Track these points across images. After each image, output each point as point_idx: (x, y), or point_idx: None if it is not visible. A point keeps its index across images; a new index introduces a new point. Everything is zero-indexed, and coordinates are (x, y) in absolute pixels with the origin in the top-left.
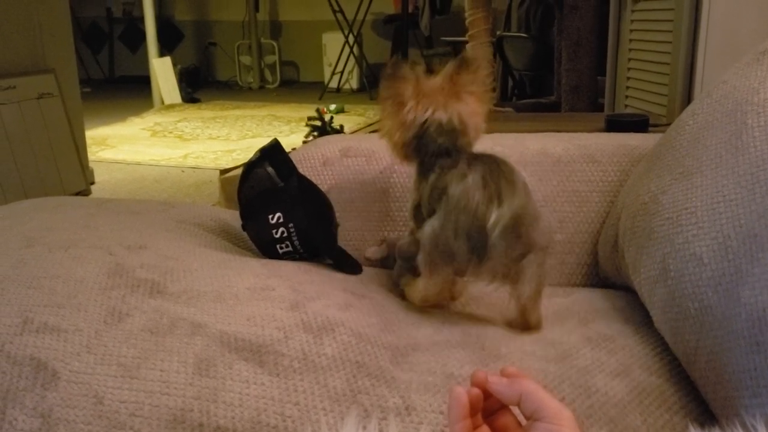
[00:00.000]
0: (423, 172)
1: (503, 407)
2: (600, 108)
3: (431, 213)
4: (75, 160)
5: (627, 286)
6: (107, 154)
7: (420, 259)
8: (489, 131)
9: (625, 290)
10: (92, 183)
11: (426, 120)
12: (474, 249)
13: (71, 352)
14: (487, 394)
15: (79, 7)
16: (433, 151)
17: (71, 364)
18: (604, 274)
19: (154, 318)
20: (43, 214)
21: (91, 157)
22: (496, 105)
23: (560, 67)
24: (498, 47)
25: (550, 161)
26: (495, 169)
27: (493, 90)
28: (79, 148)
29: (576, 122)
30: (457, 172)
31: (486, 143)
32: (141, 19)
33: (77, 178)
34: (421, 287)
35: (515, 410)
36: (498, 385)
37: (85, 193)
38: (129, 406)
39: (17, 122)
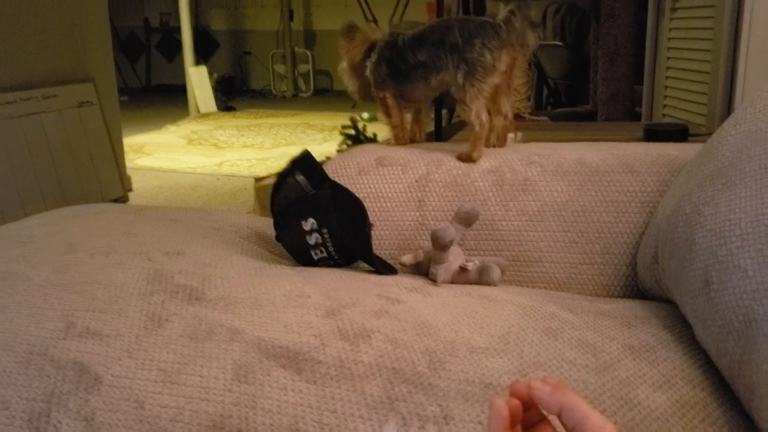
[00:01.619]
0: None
1: (543, 419)
2: (637, 117)
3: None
4: (113, 167)
5: (667, 298)
6: (144, 162)
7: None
8: (525, 140)
9: (665, 302)
10: (130, 190)
11: (368, 48)
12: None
13: (113, 357)
14: (526, 406)
15: (117, 17)
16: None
17: (113, 369)
18: (643, 286)
19: (193, 324)
20: (84, 220)
21: (128, 164)
22: (531, 114)
23: (596, 75)
24: (533, 55)
25: (587, 171)
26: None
27: (528, 99)
28: (117, 155)
29: (613, 131)
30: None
31: (522, 152)
32: (178, 29)
33: (115, 185)
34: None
35: (555, 423)
36: (540, 392)
37: (122, 200)
38: (169, 411)
39: (58, 130)
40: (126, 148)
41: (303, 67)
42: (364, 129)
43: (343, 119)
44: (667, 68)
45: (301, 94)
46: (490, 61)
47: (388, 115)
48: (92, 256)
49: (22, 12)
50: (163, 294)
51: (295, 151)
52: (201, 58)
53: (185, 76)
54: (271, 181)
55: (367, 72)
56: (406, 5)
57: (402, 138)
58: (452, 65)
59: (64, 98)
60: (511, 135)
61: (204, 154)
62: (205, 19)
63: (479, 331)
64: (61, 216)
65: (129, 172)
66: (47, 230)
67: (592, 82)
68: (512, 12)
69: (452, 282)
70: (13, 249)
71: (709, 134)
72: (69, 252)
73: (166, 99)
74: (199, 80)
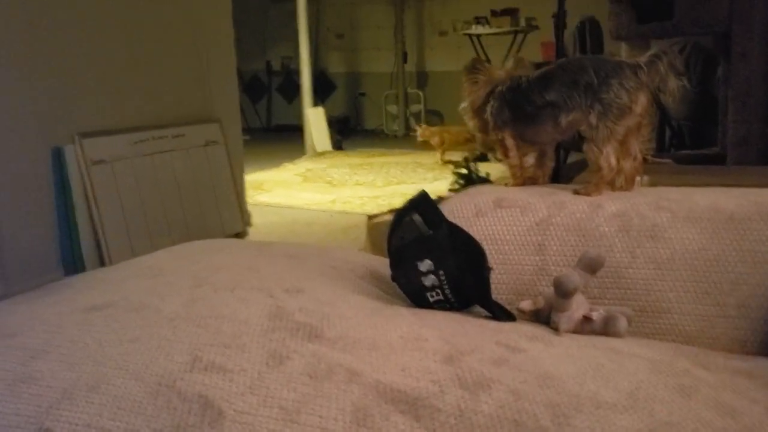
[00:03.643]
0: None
1: None
2: None
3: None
4: (235, 203)
5: None
6: (263, 198)
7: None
8: (652, 184)
9: None
10: (249, 225)
11: (490, 91)
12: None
13: (236, 392)
14: None
15: (241, 61)
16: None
17: (236, 404)
18: None
19: (313, 363)
20: (210, 255)
21: (248, 200)
22: (653, 156)
23: (725, 117)
24: (655, 95)
25: (721, 218)
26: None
27: (650, 140)
28: (239, 192)
29: (748, 176)
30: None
31: (650, 196)
32: (297, 72)
33: (236, 220)
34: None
35: None
36: None
37: (242, 234)
38: None
39: (185, 167)
40: (246, 185)
41: (415, 107)
42: (477, 169)
43: (453, 158)
44: None
45: (412, 134)
46: (627, 103)
47: (506, 155)
48: (217, 291)
49: (159, 57)
50: (284, 331)
51: (405, 189)
52: (319, 99)
53: (303, 117)
54: (383, 219)
55: (487, 115)
56: (520, 45)
57: (520, 178)
58: (585, 105)
59: (192, 137)
60: (637, 178)
61: (318, 191)
62: (323, 62)
63: (606, 386)
64: (189, 250)
65: (249, 207)
66: (176, 264)
67: (720, 124)
68: (657, 56)
69: (575, 332)
70: (145, 281)
71: None
72: (196, 286)
73: (284, 138)
74: (316, 120)
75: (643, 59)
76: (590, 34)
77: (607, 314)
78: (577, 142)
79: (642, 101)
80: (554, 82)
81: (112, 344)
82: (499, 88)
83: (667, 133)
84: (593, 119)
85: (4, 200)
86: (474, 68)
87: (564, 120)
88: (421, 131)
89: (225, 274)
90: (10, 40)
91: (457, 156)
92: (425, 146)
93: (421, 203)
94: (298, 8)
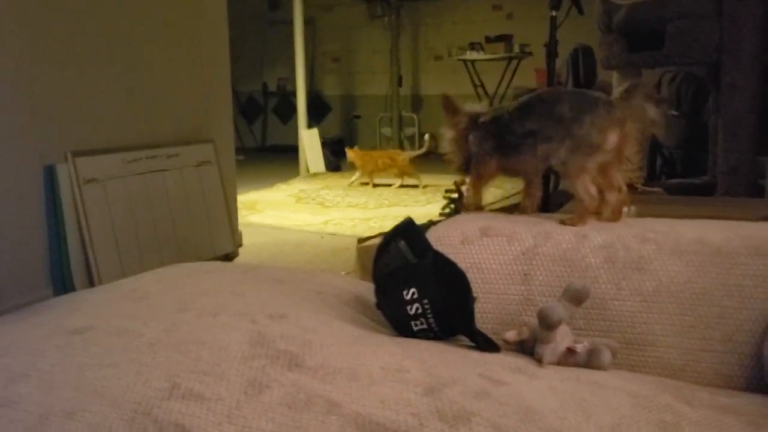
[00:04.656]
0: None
1: None
2: (760, 190)
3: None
4: (226, 224)
5: None
6: (255, 218)
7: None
8: (640, 215)
9: None
10: (240, 245)
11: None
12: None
13: (213, 422)
14: None
15: (238, 82)
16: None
17: None
18: None
19: (292, 392)
20: (195, 278)
21: (240, 220)
22: (643, 184)
23: (716, 146)
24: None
25: (708, 251)
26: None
27: (640, 168)
28: (230, 213)
29: (738, 209)
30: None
31: (636, 228)
32: (293, 93)
33: (227, 241)
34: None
35: None
36: None
37: (232, 255)
38: None
39: (177, 187)
40: (239, 205)
41: (409, 130)
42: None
43: (445, 180)
44: None
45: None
46: (597, 141)
47: (478, 179)
48: (200, 316)
49: (154, 77)
50: (264, 359)
51: (397, 212)
52: (314, 120)
53: (298, 138)
54: (373, 243)
55: (471, 146)
56: (514, 71)
57: (469, 207)
58: (558, 138)
59: (185, 157)
60: (624, 209)
61: (311, 212)
62: (319, 84)
63: (587, 421)
64: (175, 273)
65: (240, 227)
66: (161, 287)
67: (711, 153)
68: (631, 90)
69: (559, 364)
70: (129, 305)
71: None
72: (179, 311)
73: (278, 158)
74: (310, 142)
75: (618, 94)
76: (583, 61)
77: (592, 347)
78: None
79: (612, 138)
80: (533, 112)
81: (91, 369)
82: (482, 119)
83: (659, 161)
84: (563, 153)
85: None
86: (447, 104)
87: (540, 150)
88: (348, 152)
89: (209, 298)
90: (3, 58)
91: (379, 180)
92: (352, 167)
93: (407, 230)
94: (295, 31)
